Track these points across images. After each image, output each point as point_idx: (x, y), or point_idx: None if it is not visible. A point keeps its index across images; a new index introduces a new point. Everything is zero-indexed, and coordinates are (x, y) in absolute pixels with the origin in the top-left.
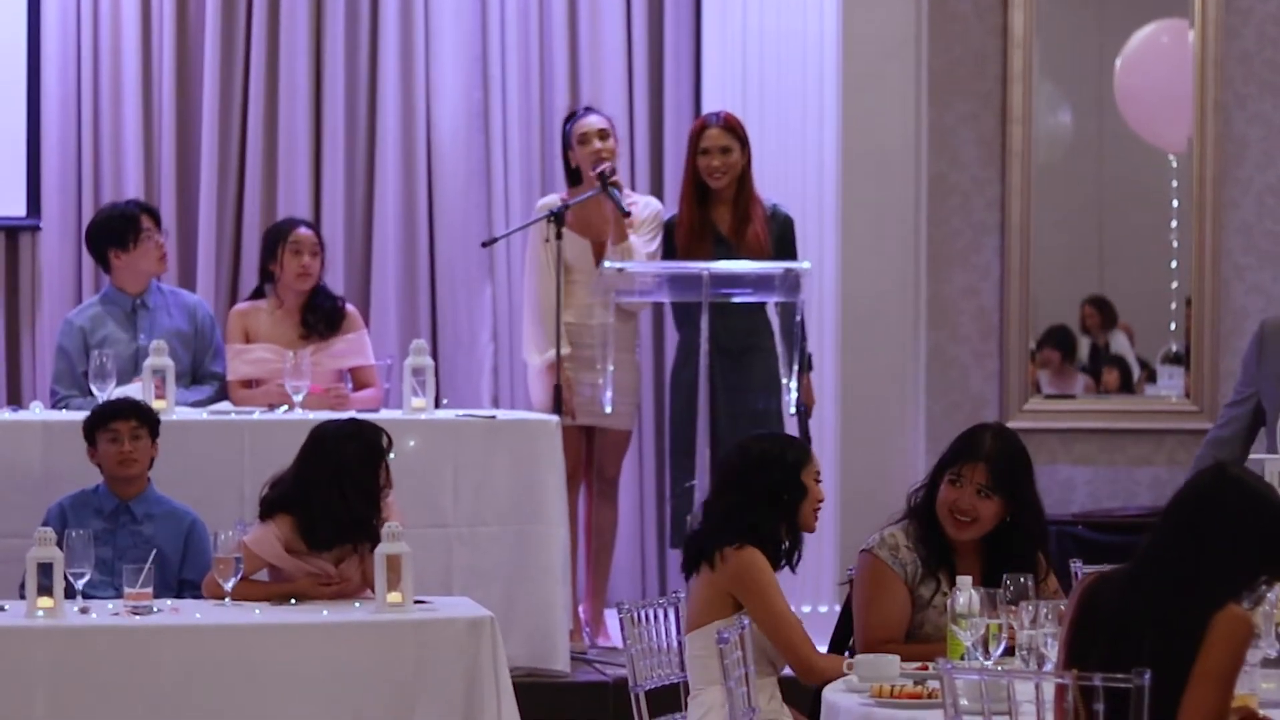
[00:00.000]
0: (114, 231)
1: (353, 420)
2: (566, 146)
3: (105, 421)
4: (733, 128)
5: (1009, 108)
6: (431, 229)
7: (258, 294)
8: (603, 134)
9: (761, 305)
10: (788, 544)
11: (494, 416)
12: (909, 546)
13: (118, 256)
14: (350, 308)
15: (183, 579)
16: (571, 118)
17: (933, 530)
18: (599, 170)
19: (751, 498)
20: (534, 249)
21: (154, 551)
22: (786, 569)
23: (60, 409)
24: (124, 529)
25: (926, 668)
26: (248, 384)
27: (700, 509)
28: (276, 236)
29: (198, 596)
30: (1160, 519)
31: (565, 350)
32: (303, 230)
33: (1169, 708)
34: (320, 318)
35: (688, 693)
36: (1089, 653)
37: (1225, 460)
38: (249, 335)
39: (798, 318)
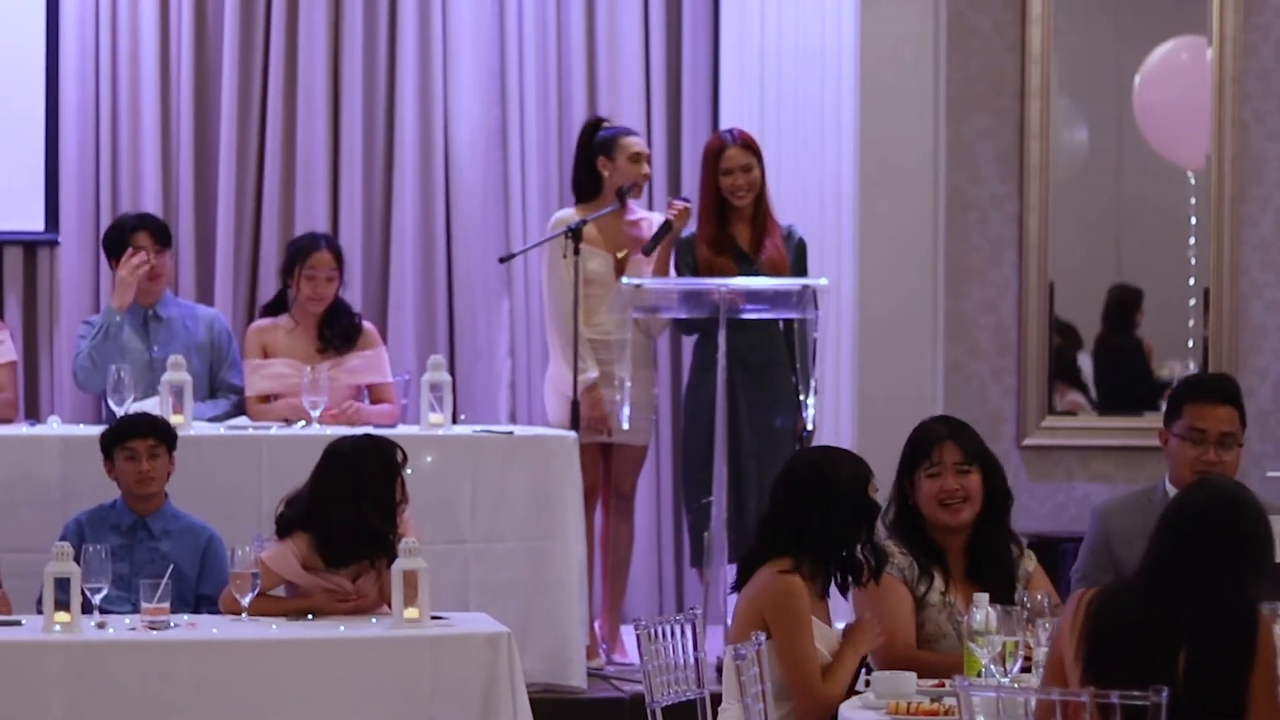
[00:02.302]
0: (110, 242)
1: (368, 436)
2: (598, 154)
3: (123, 439)
4: (749, 144)
5: (1027, 123)
6: (449, 244)
7: (278, 301)
8: (648, 158)
9: (777, 320)
10: (870, 561)
11: (511, 433)
12: (902, 552)
13: (114, 267)
14: (368, 325)
15: (200, 594)
16: (602, 126)
17: (917, 535)
18: (619, 194)
19: (830, 519)
20: (553, 264)
21: (170, 567)
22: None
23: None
24: (141, 545)
25: (943, 684)
26: (265, 399)
27: (756, 524)
28: (295, 256)
29: (214, 612)
30: (1161, 534)
31: (595, 373)
32: (320, 253)
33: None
34: (337, 333)
35: (717, 703)
36: (1112, 671)
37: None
38: (267, 352)
39: (814, 335)
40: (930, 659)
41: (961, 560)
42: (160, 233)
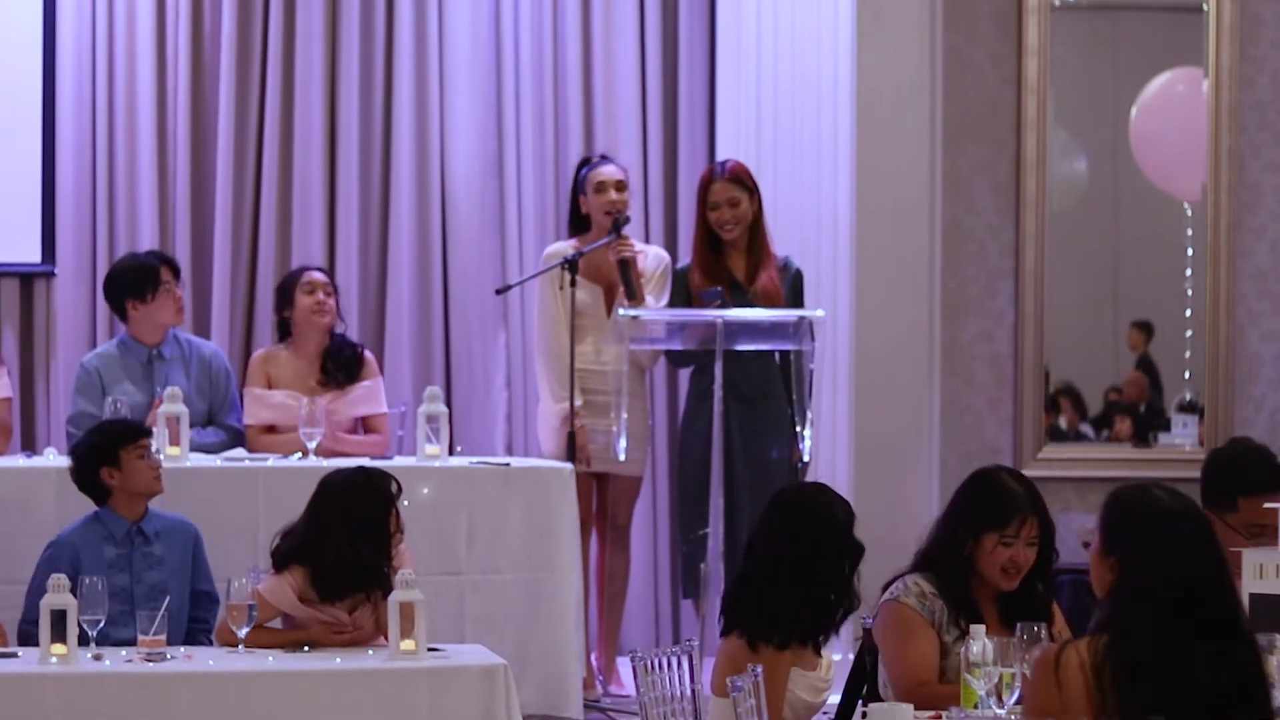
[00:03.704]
0: (132, 283)
1: (361, 469)
2: (579, 192)
3: (135, 438)
4: (739, 178)
5: (1023, 155)
6: (446, 276)
7: (280, 335)
8: (619, 185)
9: (772, 352)
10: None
11: (508, 464)
12: (934, 594)
13: (135, 308)
14: (368, 354)
15: (197, 590)
16: (587, 164)
17: (960, 584)
18: (614, 225)
19: (826, 563)
20: (544, 296)
21: (167, 599)
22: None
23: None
24: (137, 551)
25: (939, 717)
26: (266, 430)
27: (738, 566)
28: (290, 282)
29: (212, 607)
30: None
31: (578, 402)
32: (312, 271)
33: None
34: (340, 365)
35: None
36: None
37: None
38: (271, 381)
39: (810, 366)
40: (947, 689)
41: (993, 608)
42: (176, 267)
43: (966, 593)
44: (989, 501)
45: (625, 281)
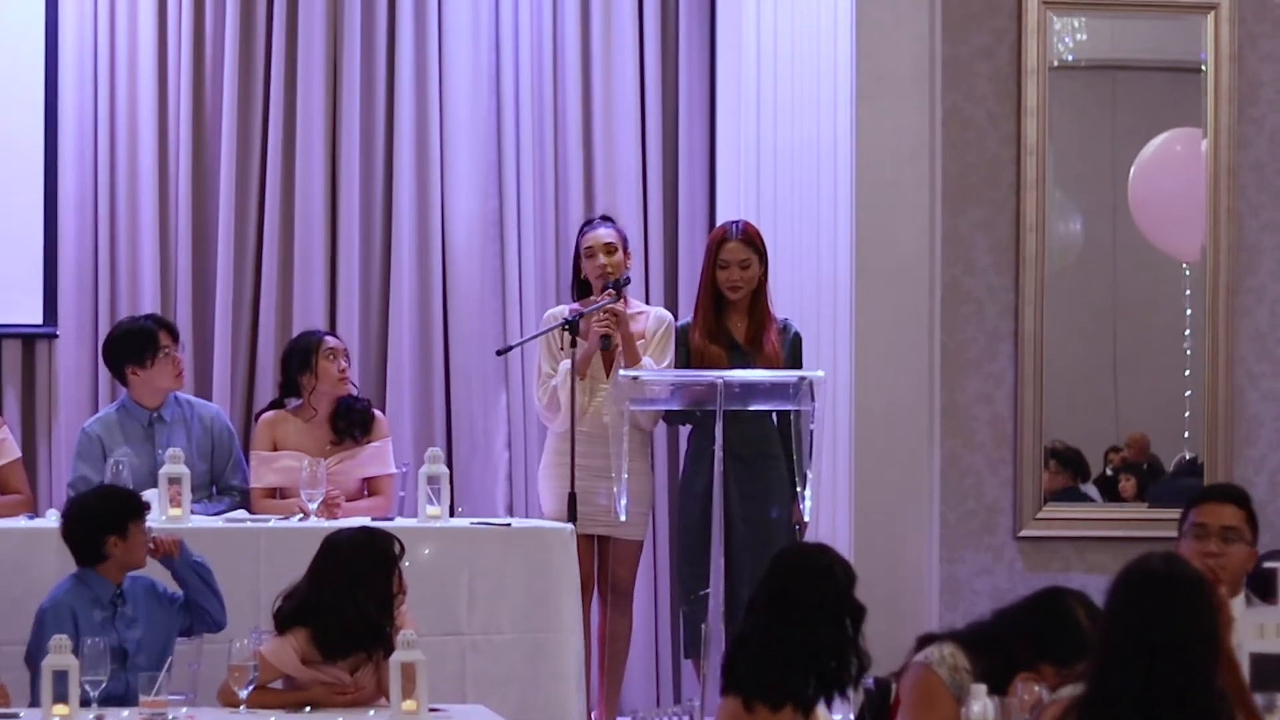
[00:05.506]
0: (131, 349)
1: (364, 529)
2: (577, 256)
3: (142, 512)
4: (752, 240)
5: (1023, 215)
6: (446, 337)
7: (276, 406)
8: (608, 248)
9: (769, 412)
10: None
11: (509, 524)
12: (968, 670)
13: (135, 373)
14: (378, 413)
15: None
16: (587, 226)
17: (1002, 683)
18: (614, 285)
19: (829, 624)
20: (541, 353)
21: (169, 660)
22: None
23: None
24: (120, 612)
25: None
26: (272, 493)
27: (738, 626)
28: (308, 348)
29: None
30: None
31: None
32: (334, 340)
33: None
34: (354, 422)
35: None
36: None
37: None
38: (277, 445)
39: (810, 427)
40: None
41: None
42: (174, 330)
43: (1001, 678)
44: (1058, 636)
45: (612, 346)
